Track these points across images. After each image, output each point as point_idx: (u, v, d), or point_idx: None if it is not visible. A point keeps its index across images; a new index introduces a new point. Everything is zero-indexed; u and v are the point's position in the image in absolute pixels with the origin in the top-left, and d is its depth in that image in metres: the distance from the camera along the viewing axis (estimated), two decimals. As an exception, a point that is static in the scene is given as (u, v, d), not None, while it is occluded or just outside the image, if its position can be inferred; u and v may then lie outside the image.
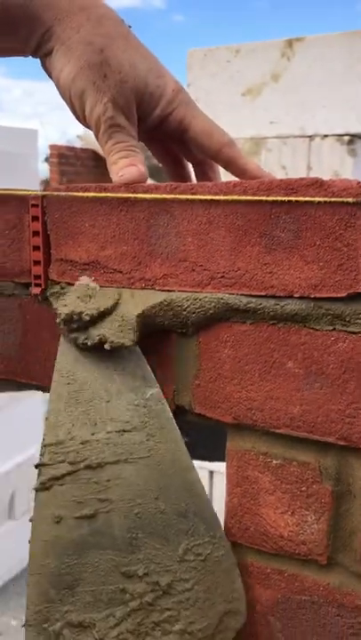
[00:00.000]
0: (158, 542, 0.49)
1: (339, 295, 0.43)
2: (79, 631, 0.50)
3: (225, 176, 0.56)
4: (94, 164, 8.33)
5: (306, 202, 0.43)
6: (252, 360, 0.47)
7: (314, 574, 0.48)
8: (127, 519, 0.49)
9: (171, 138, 0.56)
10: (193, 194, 0.47)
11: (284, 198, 0.44)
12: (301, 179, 0.44)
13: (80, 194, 0.51)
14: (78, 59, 0.50)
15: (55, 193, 0.53)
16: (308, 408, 0.46)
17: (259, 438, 0.48)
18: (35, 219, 0.54)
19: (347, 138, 1.72)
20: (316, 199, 0.43)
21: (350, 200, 0.42)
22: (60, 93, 0.53)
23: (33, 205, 0.54)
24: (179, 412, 0.51)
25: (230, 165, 0.55)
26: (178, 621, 0.48)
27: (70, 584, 0.50)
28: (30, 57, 0.55)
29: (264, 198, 0.44)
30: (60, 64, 0.51)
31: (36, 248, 0.54)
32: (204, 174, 0.59)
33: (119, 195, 0.50)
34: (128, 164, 0.51)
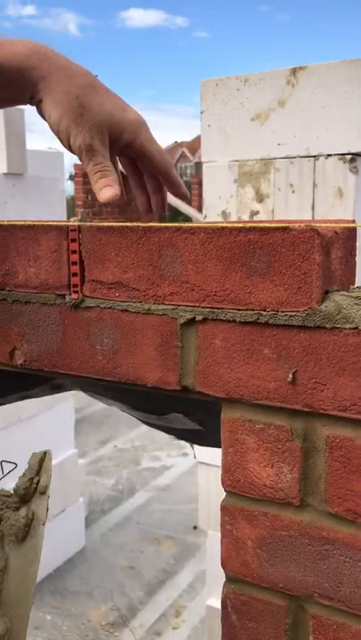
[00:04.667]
0: None
1: (298, 309, 0.58)
2: None
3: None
4: (117, 182, 8.56)
5: (274, 241, 0.57)
6: (238, 348, 0.62)
7: (290, 514, 0.62)
8: None
9: (135, 157, 0.77)
10: (192, 234, 0.62)
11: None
12: (271, 224, 0.59)
13: (108, 223, 0.67)
14: (62, 104, 0.70)
15: (88, 224, 0.69)
16: (280, 384, 0.60)
17: (245, 408, 0.63)
18: (73, 241, 0.70)
19: (349, 157, 1.85)
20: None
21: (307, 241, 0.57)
22: (52, 131, 0.74)
23: (71, 230, 0.70)
24: (184, 391, 0.66)
25: (168, 180, 0.78)
26: None
27: None
28: (28, 105, 0.75)
29: (242, 237, 0.59)
30: (49, 109, 0.72)
31: (74, 264, 0.70)
32: (155, 186, 0.81)
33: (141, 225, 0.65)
34: (105, 184, 0.72)
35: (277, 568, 0.64)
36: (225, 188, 2.07)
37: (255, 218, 2.04)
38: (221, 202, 2.09)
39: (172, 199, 8.90)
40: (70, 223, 0.69)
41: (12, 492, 0.76)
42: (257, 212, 2.03)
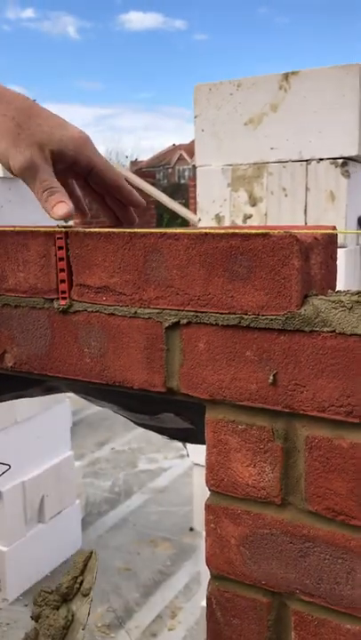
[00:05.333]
0: None
1: (278, 313, 0.60)
2: None
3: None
4: (115, 185, 8.57)
5: (255, 247, 0.59)
6: (220, 351, 0.64)
7: (272, 512, 0.64)
8: None
9: (84, 173, 0.76)
10: (176, 239, 0.64)
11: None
12: (251, 229, 0.61)
13: (93, 229, 0.69)
14: None
15: (75, 229, 0.70)
16: (261, 385, 0.62)
17: (228, 410, 0.65)
18: (60, 248, 0.71)
19: (340, 161, 1.87)
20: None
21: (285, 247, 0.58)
22: None
23: (58, 238, 0.71)
24: (169, 393, 0.67)
25: (120, 191, 0.77)
26: None
27: None
28: None
29: (225, 243, 0.61)
30: None
31: (62, 270, 0.72)
32: (113, 199, 0.79)
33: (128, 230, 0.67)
34: (58, 200, 0.70)
35: (260, 565, 0.65)
36: (219, 192, 2.09)
37: (248, 221, 2.05)
38: (215, 205, 2.10)
39: (168, 202, 8.91)
40: (58, 229, 0.71)
41: (54, 589, 0.71)
42: (250, 216, 2.05)
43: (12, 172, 0.72)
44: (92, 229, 0.69)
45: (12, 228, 0.74)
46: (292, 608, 0.64)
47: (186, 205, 10.61)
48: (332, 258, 0.66)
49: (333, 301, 0.58)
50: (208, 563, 0.69)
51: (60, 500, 3.12)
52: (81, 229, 0.70)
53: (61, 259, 0.71)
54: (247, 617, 0.67)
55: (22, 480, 2.86)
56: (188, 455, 1.98)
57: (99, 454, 4.72)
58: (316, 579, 0.62)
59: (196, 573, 3.04)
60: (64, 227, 0.72)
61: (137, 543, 3.45)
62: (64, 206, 0.70)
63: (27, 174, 0.71)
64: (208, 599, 0.69)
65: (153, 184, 9.47)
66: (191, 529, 3.45)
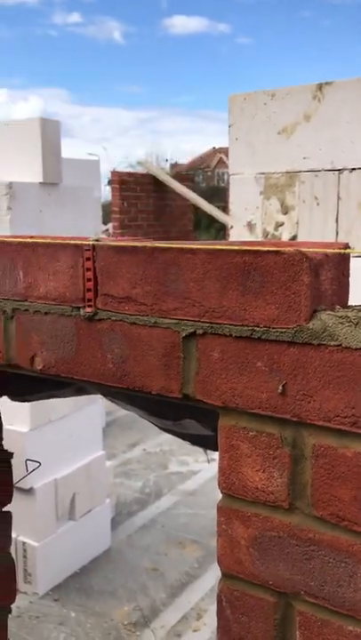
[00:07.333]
0: None
1: (289, 327, 0.63)
2: None
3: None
4: (154, 189, 8.68)
5: (267, 263, 0.63)
6: (233, 361, 0.67)
7: (280, 516, 0.67)
8: None
9: None
10: (193, 254, 0.68)
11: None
12: (264, 246, 0.64)
13: (122, 243, 0.73)
14: None
15: (101, 243, 0.75)
16: (271, 394, 0.65)
17: (240, 417, 0.68)
18: (87, 260, 0.76)
19: (373, 171, 1.88)
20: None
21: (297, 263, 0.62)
22: None
23: (86, 250, 0.76)
24: (184, 399, 0.71)
25: None
26: None
27: None
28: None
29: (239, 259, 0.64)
30: None
31: (89, 280, 0.76)
32: None
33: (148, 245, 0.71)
34: None
35: (268, 566, 0.68)
36: (251, 200, 2.12)
37: (280, 229, 2.08)
38: (247, 213, 2.13)
39: (206, 206, 8.95)
40: (85, 242, 0.76)
41: None
42: (282, 224, 2.07)
43: None
44: (117, 243, 0.73)
45: (42, 240, 0.79)
46: (297, 608, 0.67)
47: (224, 208, 10.62)
48: (344, 274, 0.69)
49: (340, 317, 0.61)
50: (219, 562, 0.72)
51: (91, 499, 3.18)
52: (107, 243, 0.74)
53: (88, 269, 0.76)
54: (255, 615, 0.70)
55: (55, 477, 2.93)
56: (208, 462, 2.01)
57: (130, 455, 4.78)
58: (320, 581, 0.65)
59: (222, 577, 3.07)
60: (94, 240, 0.76)
61: (165, 544, 3.49)
62: None
63: None
64: (218, 596, 0.73)
65: (192, 188, 9.53)
66: (219, 532, 3.47)
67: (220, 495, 0.72)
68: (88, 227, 2.99)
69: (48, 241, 0.79)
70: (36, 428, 2.84)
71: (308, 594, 0.66)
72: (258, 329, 0.65)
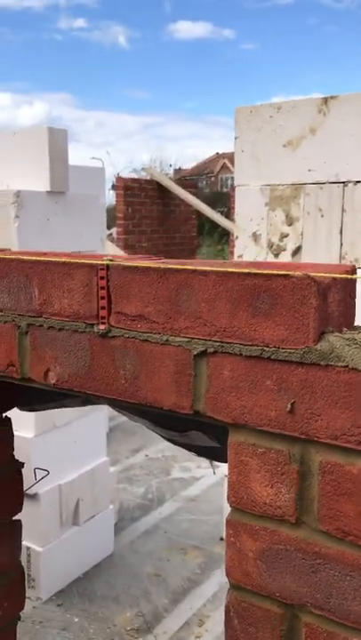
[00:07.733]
0: None
1: (297, 347, 0.65)
2: None
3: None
4: (157, 195, 8.73)
5: (276, 286, 0.65)
6: (243, 379, 0.69)
7: (287, 530, 0.69)
8: None
9: None
10: (205, 276, 0.70)
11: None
12: (273, 269, 0.66)
13: (134, 263, 0.75)
14: None
15: (115, 262, 0.77)
16: (280, 412, 0.67)
17: (249, 433, 0.70)
18: (102, 278, 0.79)
19: (377, 184, 1.91)
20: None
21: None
22: None
23: (100, 269, 0.78)
24: (195, 415, 0.74)
25: None
26: None
27: None
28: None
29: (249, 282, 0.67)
30: None
31: (102, 298, 0.79)
32: None
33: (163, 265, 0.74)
34: None
35: (275, 578, 0.70)
36: (256, 211, 2.15)
37: (285, 240, 2.10)
38: (252, 224, 2.16)
39: (208, 212, 8.99)
40: (100, 262, 0.78)
41: None
42: (287, 235, 2.10)
43: None
44: (130, 263, 0.76)
45: (57, 259, 0.82)
46: (303, 620, 0.69)
47: (227, 213, 10.66)
48: (351, 295, 0.71)
49: (347, 339, 0.63)
50: (227, 574, 0.74)
51: (95, 504, 3.20)
52: (121, 263, 0.77)
53: (102, 287, 0.79)
54: (262, 626, 0.72)
55: (59, 483, 2.95)
56: (214, 473, 2.03)
57: (133, 461, 4.80)
58: (326, 594, 0.67)
59: (224, 583, 3.07)
60: (108, 260, 0.79)
61: (168, 550, 3.50)
62: None
63: None
64: (226, 607, 0.75)
65: (195, 194, 9.57)
66: (221, 538, 3.49)
67: (229, 508, 0.74)
68: (94, 234, 3.02)
69: (63, 260, 0.81)
70: (41, 433, 2.86)
71: (315, 606, 0.68)
72: (267, 349, 0.67)
